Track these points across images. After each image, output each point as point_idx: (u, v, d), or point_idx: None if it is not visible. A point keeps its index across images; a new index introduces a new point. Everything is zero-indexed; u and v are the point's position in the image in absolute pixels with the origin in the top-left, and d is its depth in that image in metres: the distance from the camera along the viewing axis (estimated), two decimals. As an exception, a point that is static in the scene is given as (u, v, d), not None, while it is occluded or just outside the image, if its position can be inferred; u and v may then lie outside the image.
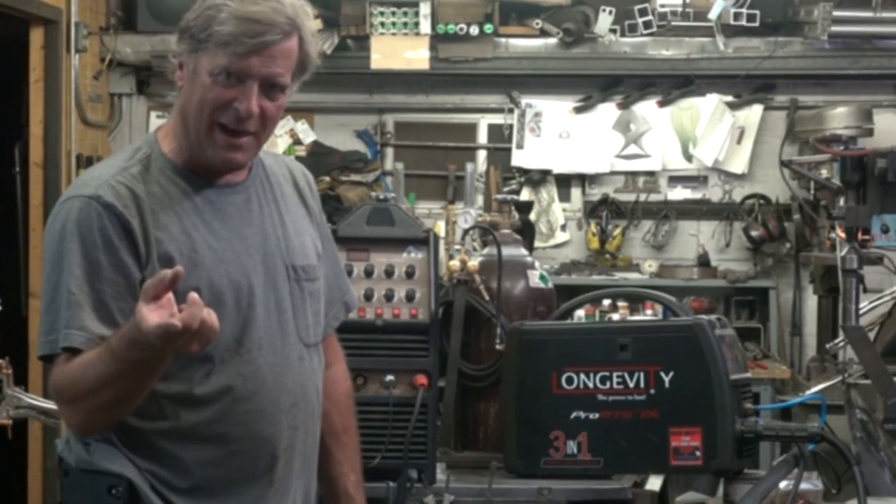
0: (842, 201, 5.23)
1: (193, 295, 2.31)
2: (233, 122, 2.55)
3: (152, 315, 2.28)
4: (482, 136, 7.72)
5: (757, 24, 7.29)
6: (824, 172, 6.60)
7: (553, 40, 7.41)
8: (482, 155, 7.69)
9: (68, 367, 2.48)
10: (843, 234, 4.50)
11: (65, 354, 2.48)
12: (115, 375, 2.40)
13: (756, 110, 7.58)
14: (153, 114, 7.71)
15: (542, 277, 4.12)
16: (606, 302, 7.05)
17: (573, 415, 3.53)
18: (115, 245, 2.51)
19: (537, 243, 7.38)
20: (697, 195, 7.68)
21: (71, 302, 2.48)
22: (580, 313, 6.54)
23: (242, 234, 2.64)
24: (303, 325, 2.71)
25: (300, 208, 2.80)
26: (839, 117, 7.02)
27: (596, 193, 7.68)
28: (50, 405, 4.79)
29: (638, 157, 7.61)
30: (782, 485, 3.30)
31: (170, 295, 2.31)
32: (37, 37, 6.81)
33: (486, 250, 4.15)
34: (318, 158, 7.49)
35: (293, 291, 2.69)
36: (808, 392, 5.04)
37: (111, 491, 2.56)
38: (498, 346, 3.83)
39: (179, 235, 2.56)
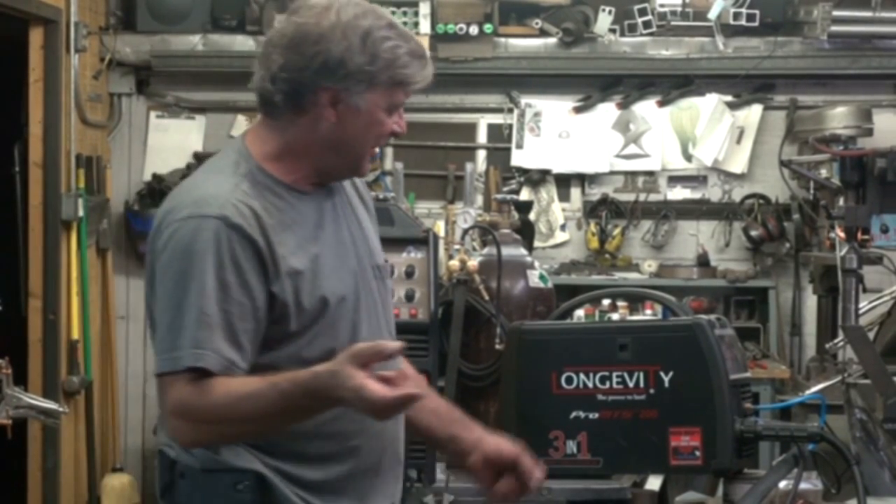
0: (841, 201, 5.23)
1: (406, 367, 2.48)
2: (384, 143, 2.73)
3: (377, 386, 2.39)
4: (482, 136, 7.72)
5: (756, 23, 7.29)
6: (824, 172, 6.60)
7: (553, 40, 7.41)
8: (482, 155, 7.69)
9: (209, 390, 2.53)
10: (842, 234, 4.51)
11: (189, 374, 2.53)
12: (274, 414, 2.51)
13: (755, 110, 7.58)
14: (153, 113, 7.70)
15: (541, 277, 4.12)
16: (606, 302, 7.05)
17: (573, 414, 3.53)
18: (243, 266, 2.57)
19: (537, 243, 7.37)
20: (697, 195, 7.67)
21: (202, 322, 2.53)
22: (580, 313, 6.54)
23: (339, 239, 2.74)
24: (390, 320, 2.85)
25: (362, 208, 2.89)
26: (839, 117, 7.02)
27: (595, 193, 7.68)
28: (49, 405, 4.79)
29: (637, 157, 7.61)
30: (782, 485, 3.30)
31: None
32: (36, 36, 6.80)
33: (485, 250, 4.16)
34: (318, 158, 7.48)
35: (380, 290, 2.81)
36: (808, 392, 5.05)
37: (236, 486, 2.62)
38: (497, 346, 3.84)
39: (297, 249, 2.64)
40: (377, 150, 2.81)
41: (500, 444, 2.80)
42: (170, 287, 2.58)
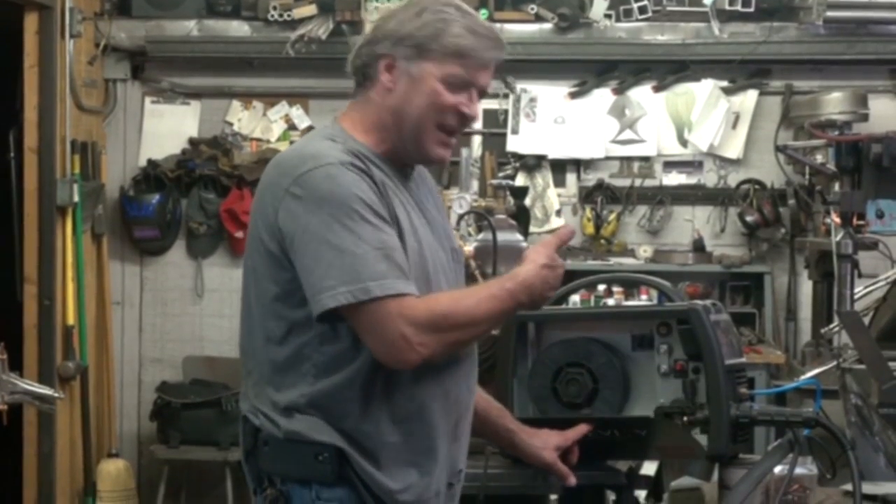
0: (837, 186, 5.22)
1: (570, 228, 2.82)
2: (455, 124, 2.89)
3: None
4: (477, 122, 7.69)
5: (752, 9, 7.29)
6: (819, 157, 6.59)
7: (548, 25, 7.40)
8: (477, 140, 7.68)
9: (443, 300, 2.77)
10: (837, 220, 4.49)
11: (397, 299, 2.69)
12: (505, 312, 2.81)
13: (751, 95, 7.58)
14: (148, 99, 7.70)
15: (537, 263, 4.10)
16: (602, 287, 7.05)
17: (568, 400, 3.52)
18: (379, 201, 2.77)
19: (532, 228, 7.37)
20: (692, 180, 7.67)
21: (379, 256, 2.70)
22: (575, 298, 6.54)
23: (427, 217, 2.95)
24: None
25: (437, 197, 3.10)
26: (834, 102, 7.02)
27: (591, 179, 7.68)
28: (45, 390, 4.77)
29: (633, 143, 7.61)
30: (777, 470, 3.30)
31: None
32: (31, 22, 6.80)
33: (481, 235, 4.15)
34: (313, 144, 7.47)
35: (457, 270, 3.03)
36: (803, 377, 5.04)
37: (317, 457, 2.79)
38: (493, 332, 3.83)
39: (398, 204, 2.84)
40: (452, 139, 2.90)
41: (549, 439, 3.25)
42: (321, 232, 2.70)
